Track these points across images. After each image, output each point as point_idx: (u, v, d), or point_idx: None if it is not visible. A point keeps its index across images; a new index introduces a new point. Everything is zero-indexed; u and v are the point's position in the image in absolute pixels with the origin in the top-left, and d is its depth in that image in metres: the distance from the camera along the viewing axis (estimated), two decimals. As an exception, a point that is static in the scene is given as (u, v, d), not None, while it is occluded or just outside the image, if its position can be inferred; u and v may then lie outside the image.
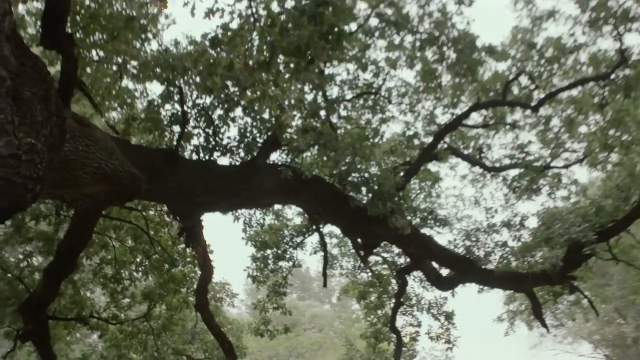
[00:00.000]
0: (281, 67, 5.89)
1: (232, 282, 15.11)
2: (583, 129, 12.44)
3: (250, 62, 5.68)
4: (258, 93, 6.24)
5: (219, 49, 6.26)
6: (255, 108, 7.92)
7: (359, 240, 11.17)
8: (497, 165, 13.07)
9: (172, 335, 13.08)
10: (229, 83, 7.47)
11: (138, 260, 11.40)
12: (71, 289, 11.52)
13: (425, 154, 11.06)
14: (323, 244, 12.50)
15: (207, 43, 6.76)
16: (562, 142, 12.68)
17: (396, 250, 13.48)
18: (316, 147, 9.33)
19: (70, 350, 13.58)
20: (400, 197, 9.96)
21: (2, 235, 10.91)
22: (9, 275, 10.94)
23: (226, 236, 16.19)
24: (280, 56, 5.58)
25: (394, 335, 14.47)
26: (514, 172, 12.95)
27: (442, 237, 15.97)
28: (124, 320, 12.38)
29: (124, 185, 5.96)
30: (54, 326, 12.02)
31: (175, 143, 8.02)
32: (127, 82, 9.57)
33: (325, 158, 9.41)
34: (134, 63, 9.03)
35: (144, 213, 10.53)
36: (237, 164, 8.91)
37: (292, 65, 5.74)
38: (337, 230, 13.27)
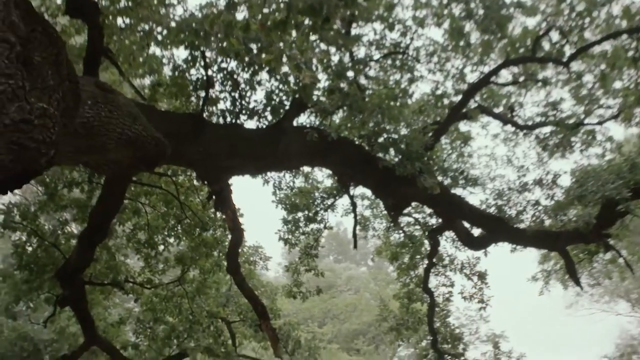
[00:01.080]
0: (297, 27, 5.80)
1: (266, 246, 15.20)
2: (617, 84, 12.14)
3: (267, 23, 5.62)
4: (275, 53, 6.18)
5: (234, 11, 6.21)
6: (273, 68, 7.86)
7: (389, 201, 11.13)
8: (529, 123, 12.87)
9: (207, 299, 13.24)
10: (251, 46, 7.43)
11: (170, 225, 11.52)
12: (106, 255, 11.70)
13: (454, 113, 10.92)
14: (353, 206, 12.49)
15: (223, 5, 6.72)
16: (596, 98, 12.39)
17: (428, 210, 13.43)
18: (344, 108, 9.27)
19: (108, 315, 13.85)
20: (429, 156, 9.89)
21: (37, 203, 11.10)
22: (46, 242, 11.13)
23: (257, 201, 16.31)
24: (297, 16, 5.52)
25: (427, 296, 14.48)
26: (546, 130, 12.78)
27: (474, 197, 15.84)
28: (159, 284, 12.58)
29: (148, 150, 5.99)
30: (91, 291, 12.26)
31: (200, 107, 8.05)
32: (154, 49, 9.58)
33: (353, 119, 9.37)
34: (159, 29, 9.02)
35: (173, 178, 10.62)
36: (264, 127, 8.92)
37: (308, 25, 5.67)
38: (368, 192, 13.24)
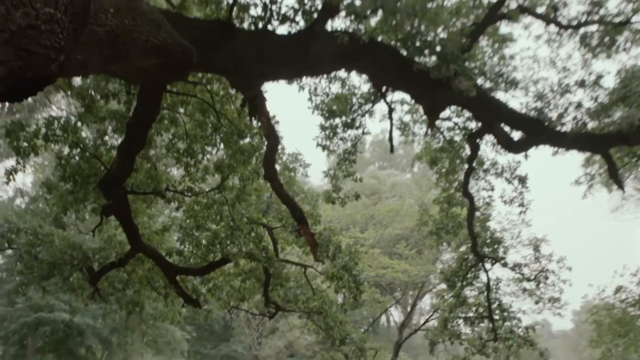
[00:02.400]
0: None
1: (308, 155, 15.24)
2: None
3: None
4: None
5: None
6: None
7: (424, 105, 10.99)
8: (574, 23, 12.41)
9: (247, 206, 13.43)
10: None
11: (208, 133, 11.59)
12: (147, 165, 11.90)
13: (493, 14, 10.57)
14: (389, 111, 12.37)
15: None
16: (644, -6, 11.85)
17: (467, 115, 13.24)
18: (378, 11, 9.04)
19: (152, 223, 14.20)
20: (466, 59, 9.66)
21: (77, 115, 11.24)
22: (87, 154, 11.33)
23: (297, 111, 16.25)
24: None
25: (467, 200, 14.48)
26: (591, 30, 12.32)
27: (514, 101, 15.56)
28: (199, 192, 12.78)
29: (174, 57, 5.97)
30: (134, 201, 12.55)
31: (229, 14, 7.93)
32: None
33: (387, 23, 9.14)
34: None
35: (208, 87, 10.60)
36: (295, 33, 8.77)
37: None
38: (408, 97, 13.07)
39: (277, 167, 13.69)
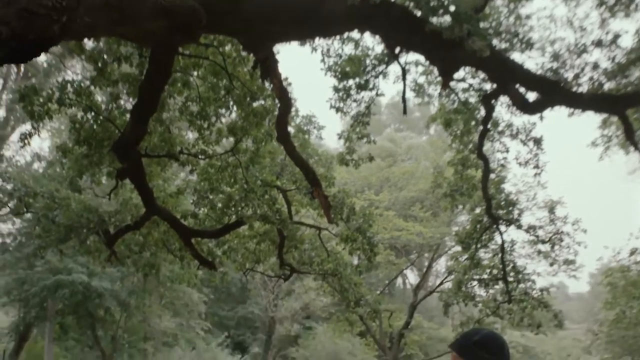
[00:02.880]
0: None
1: (324, 118, 15.15)
2: None
3: None
4: None
5: None
6: None
7: (439, 66, 10.89)
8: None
9: (261, 168, 13.46)
10: None
11: (220, 96, 11.56)
12: (160, 128, 11.92)
13: (507, -30, 10.41)
14: (402, 72, 12.28)
15: None
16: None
17: (482, 76, 13.11)
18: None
19: (166, 186, 14.28)
20: (479, 19, 9.53)
21: (90, 79, 11.24)
22: (101, 117, 11.36)
23: (311, 74, 16.16)
24: None
25: (482, 162, 14.42)
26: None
27: (530, 61, 15.36)
28: (213, 155, 12.82)
29: (182, 19, 5.95)
30: (148, 164, 12.60)
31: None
32: None
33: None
34: None
35: (220, 49, 10.55)
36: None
37: None
38: (422, 59, 12.95)
39: (291, 129, 13.69)
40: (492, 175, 15.18)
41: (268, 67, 9.33)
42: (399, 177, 37.48)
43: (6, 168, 23.67)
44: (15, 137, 27.25)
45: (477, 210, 16.56)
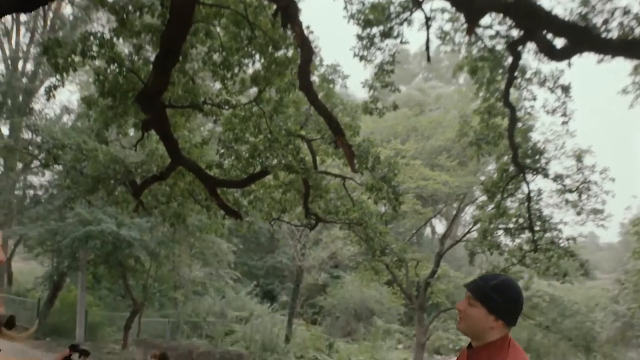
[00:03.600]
0: None
1: (349, 68, 15.03)
2: None
3: None
4: None
5: None
6: None
7: (464, 12, 10.72)
8: None
9: (285, 118, 13.46)
10: None
11: (243, 45, 11.50)
12: (183, 78, 11.92)
13: None
14: (426, 19, 12.10)
15: None
16: None
17: (509, 22, 12.87)
18: None
19: (191, 137, 14.35)
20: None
21: (112, 30, 11.24)
22: (124, 69, 11.38)
23: (336, 25, 15.97)
24: None
25: (508, 110, 14.26)
26: None
27: (558, 7, 14.99)
28: (236, 105, 12.82)
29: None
30: (173, 115, 12.67)
31: None
32: None
33: None
34: None
35: (241, -2, 10.47)
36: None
37: None
38: (448, 5, 12.74)
39: (316, 79, 13.65)
40: (519, 124, 15.01)
41: (289, 14, 9.26)
42: (425, 126, 37.20)
43: (34, 121, 23.95)
44: (43, 90, 27.41)
45: (504, 159, 16.42)
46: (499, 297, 2.71)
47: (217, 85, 12.83)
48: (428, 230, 48.49)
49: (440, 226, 46.13)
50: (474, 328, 2.78)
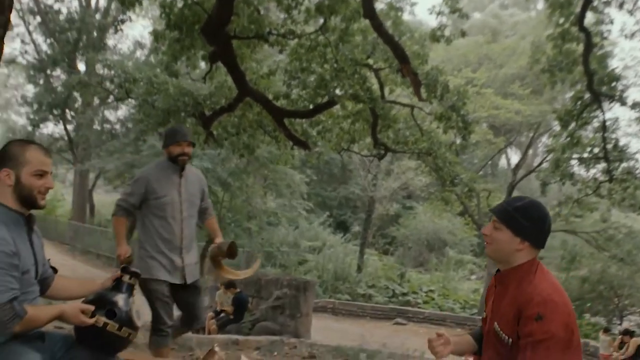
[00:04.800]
0: None
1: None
2: None
3: None
4: None
5: None
6: None
7: None
8: None
9: (353, 47, 13.32)
10: None
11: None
12: (248, 9, 11.89)
13: None
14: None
15: None
16: None
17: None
18: None
19: (258, 68, 14.39)
20: None
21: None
22: (189, 1, 11.43)
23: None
24: None
25: (583, 35, 13.70)
26: None
27: None
28: (301, 34, 12.74)
29: None
30: (239, 46, 12.72)
31: None
32: None
33: None
34: None
35: None
36: None
37: None
38: None
39: (383, 6, 13.41)
40: (595, 49, 14.42)
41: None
42: (498, 53, 36.12)
43: (106, 56, 24.42)
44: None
45: (578, 86, 15.87)
46: (523, 218, 2.67)
47: (282, 15, 12.74)
48: (503, 161, 47.73)
49: (515, 157, 45.32)
50: (501, 252, 2.76)
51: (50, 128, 35.21)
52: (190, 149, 5.06)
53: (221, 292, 11.88)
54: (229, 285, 11.42)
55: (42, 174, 2.87)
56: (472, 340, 3.07)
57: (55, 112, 30.48)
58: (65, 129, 32.50)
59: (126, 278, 3.15)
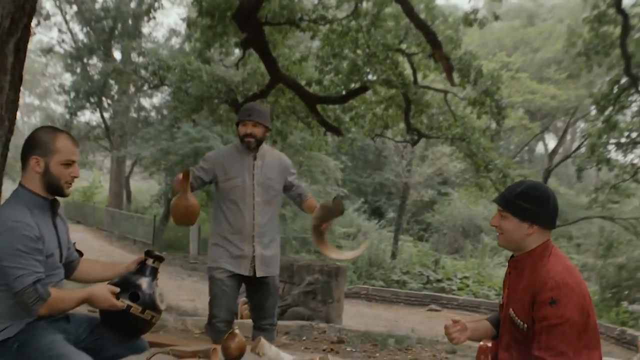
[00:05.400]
0: None
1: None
2: None
3: None
4: None
5: None
6: None
7: None
8: None
9: (385, 32, 13.24)
10: None
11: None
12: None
13: None
14: None
15: None
16: None
17: None
18: None
19: (291, 54, 14.38)
20: None
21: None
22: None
23: None
24: None
25: (621, 17, 13.45)
26: None
27: None
28: (333, 20, 12.71)
29: None
30: (271, 32, 12.75)
31: None
32: None
33: None
34: None
35: None
36: None
37: None
38: None
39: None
40: (633, 32, 14.14)
41: None
42: (534, 37, 35.52)
43: (141, 44, 24.63)
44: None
45: (615, 70, 15.58)
46: (526, 203, 2.68)
47: (314, 0, 12.72)
48: (540, 146, 47.12)
49: (553, 142, 44.68)
50: (512, 240, 2.77)
51: (87, 116, 35.76)
52: (258, 130, 4.64)
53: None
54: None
55: (70, 164, 2.93)
56: (490, 325, 3.06)
57: (92, 100, 30.86)
58: (102, 116, 32.88)
59: (150, 261, 3.20)
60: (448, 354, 6.02)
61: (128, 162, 34.68)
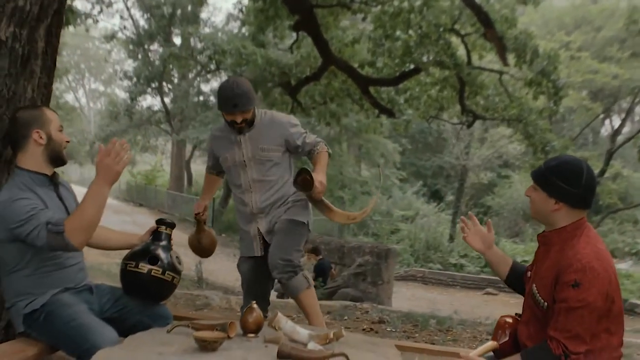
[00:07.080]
0: None
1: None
2: None
3: None
4: None
5: None
6: None
7: None
8: None
9: (438, 12, 13.08)
10: None
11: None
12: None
13: None
14: None
15: None
16: None
17: None
18: None
19: (344, 36, 14.34)
20: None
21: None
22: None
23: None
24: None
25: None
26: None
27: None
28: (385, 1, 12.63)
29: None
30: (323, 15, 12.76)
31: None
32: None
33: None
34: None
35: None
36: None
37: None
38: None
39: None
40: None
41: None
42: (596, 15, 34.37)
43: (199, 29, 24.91)
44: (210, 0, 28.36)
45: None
46: (557, 178, 2.57)
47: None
48: (605, 127, 45.82)
49: (618, 123, 43.37)
50: (540, 213, 2.69)
51: (149, 100, 36.37)
52: (247, 114, 3.97)
53: (304, 258, 12.03)
54: (313, 251, 11.50)
55: (61, 130, 3.08)
56: (510, 266, 3.07)
57: (152, 85, 31.45)
58: (162, 101, 33.48)
59: (162, 228, 3.34)
60: (489, 335, 5.98)
61: (189, 146, 35.18)
